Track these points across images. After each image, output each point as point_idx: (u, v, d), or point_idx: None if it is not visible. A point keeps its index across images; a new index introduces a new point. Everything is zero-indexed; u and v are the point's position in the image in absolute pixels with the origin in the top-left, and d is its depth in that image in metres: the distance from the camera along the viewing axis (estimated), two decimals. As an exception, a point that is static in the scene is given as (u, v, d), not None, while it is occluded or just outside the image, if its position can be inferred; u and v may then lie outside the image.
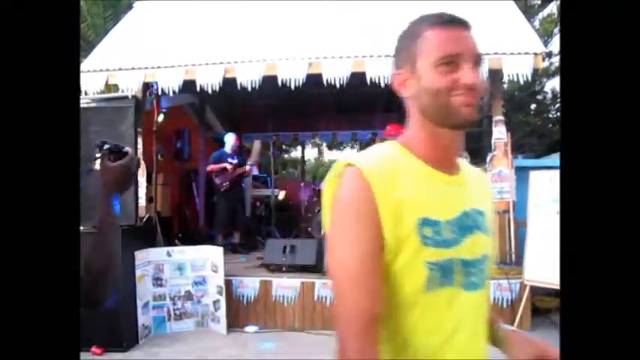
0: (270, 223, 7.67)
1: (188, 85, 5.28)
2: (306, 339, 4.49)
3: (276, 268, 5.07)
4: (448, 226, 0.92)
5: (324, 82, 5.07)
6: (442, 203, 0.94)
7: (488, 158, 5.45)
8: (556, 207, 4.21)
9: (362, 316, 0.88)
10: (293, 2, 6.24)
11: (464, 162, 1.09)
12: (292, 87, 5.10)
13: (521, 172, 5.15)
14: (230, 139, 6.88)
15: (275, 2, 6.22)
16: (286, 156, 20.14)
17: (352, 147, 18.26)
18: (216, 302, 4.70)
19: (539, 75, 12.12)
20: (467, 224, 0.96)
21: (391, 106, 9.49)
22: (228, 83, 5.18)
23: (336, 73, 5.02)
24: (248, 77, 5.09)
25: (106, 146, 1.23)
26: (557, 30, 12.26)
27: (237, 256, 6.21)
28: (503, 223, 5.25)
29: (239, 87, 5.14)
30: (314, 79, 5.07)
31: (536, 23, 12.94)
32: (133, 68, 5.29)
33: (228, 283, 4.76)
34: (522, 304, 4.40)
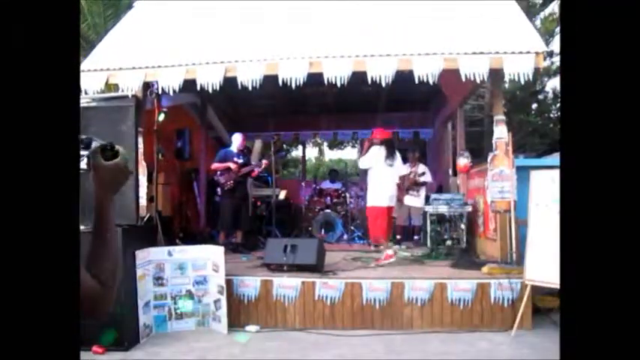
0: (271, 222, 7.67)
1: (189, 85, 5.28)
2: (306, 338, 4.49)
3: (276, 268, 5.08)
4: None
5: (325, 82, 5.07)
6: None
7: (490, 158, 5.45)
8: (557, 206, 4.20)
9: None
10: (294, 2, 6.23)
11: None
12: (293, 86, 5.09)
13: (522, 172, 5.14)
14: (237, 139, 6.93)
15: (276, 2, 6.21)
16: (287, 155, 20.13)
17: (353, 146, 18.27)
18: (217, 302, 4.71)
19: (540, 74, 12.11)
20: None
21: (392, 105, 9.52)
22: (229, 82, 5.18)
23: (337, 73, 5.01)
24: (249, 76, 5.09)
25: (94, 144, 1.14)
26: (558, 29, 12.24)
27: (237, 256, 6.22)
28: (505, 222, 5.25)
29: (240, 86, 5.14)
30: (315, 79, 5.07)
31: (538, 22, 12.92)
32: (134, 67, 5.29)
33: (229, 283, 4.76)
34: (523, 303, 4.40)
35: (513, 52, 4.89)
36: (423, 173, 7.73)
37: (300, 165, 13.74)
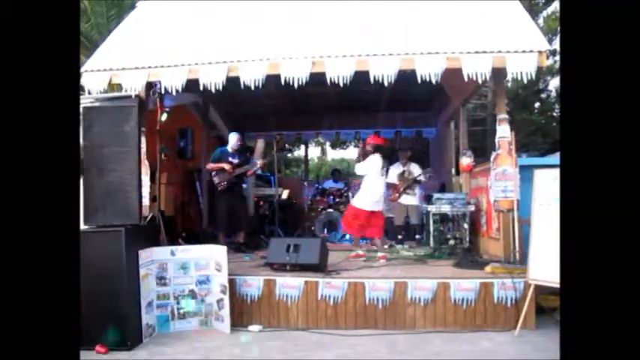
0: (274, 222, 7.67)
1: (191, 85, 5.28)
2: (309, 338, 4.49)
3: (279, 267, 5.08)
4: None
5: (328, 81, 5.06)
6: None
7: (492, 157, 5.44)
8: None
9: None
10: (296, 1, 6.23)
11: None
12: (295, 86, 5.09)
13: (526, 171, 5.13)
14: (232, 139, 6.90)
15: (279, 1, 6.21)
16: (289, 155, 20.16)
17: (356, 146, 18.26)
18: (219, 301, 4.71)
19: (543, 73, 12.08)
20: None
21: (394, 105, 9.51)
22: (232, 82, 5.18)
23: (339, 72, 5.01)
24: (251, 76, 5.09)
25: None
26: (561, 28, 12.21)
27: (240, 255, 6.22)
28: (508, 221, 5.24)
29: (242, 86, 5.14)
30: (317, 78, 5.06)
31: (541, 21, 12.89)
32: (137, 68, 5.30)
33: (231, 282, 4.76)
34: (527, 303, 4.39)
35: (516, 51, 4.87)
36: (419, 181, 7.60)
37: (303, 164, 13.74)
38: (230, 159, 6.71)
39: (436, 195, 6.84)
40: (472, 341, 4.27)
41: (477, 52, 4.90)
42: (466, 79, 4.93)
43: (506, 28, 5.31)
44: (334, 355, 4.02)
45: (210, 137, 8.73)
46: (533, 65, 4.82)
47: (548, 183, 4.36)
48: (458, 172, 7.67)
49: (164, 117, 6.15)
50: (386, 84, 5.04)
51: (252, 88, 5.12)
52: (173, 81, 5.20)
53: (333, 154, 23.87)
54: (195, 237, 7.07)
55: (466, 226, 6.44)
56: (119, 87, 5.39)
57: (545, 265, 4.23)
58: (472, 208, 6.48)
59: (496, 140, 5.46)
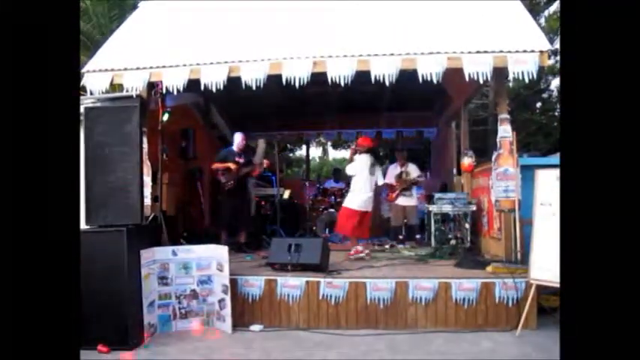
0: (275, 222, 7.67)
1: (193, 85, 5.29)
2: (310, 338, 4.49)
3: (281, 267, 5.08)
4: None
5: (329, 81, 5.07)
6: None
7: (494, 157, 5.44)
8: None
9: None
10: (297, 1, 6.24)
11: None
12: (297, 86, 5.10)
13: (527, 171, 5.12)
14: (237, 138, 6.92)
15: (280, 1, 6.22)
16: (291, 155, 20.17)
17: (357, 146, 18.20)
18: (221, 301, 4.72)
19: (544, 73, 12.06)
20: None
21: (395, 105, 9.51)
22: (233, 82, 5.19)
23: (340, 72, 5.01)
24: (252, 76, 5.10)
25: None
26: (563, 27, 12.20)
27: (242, 255, 6.23)
28: (509, 221, 5.24)
29: (244, 86, 5.14)
30: (318, 78, 5.07)
31: (542, 21, 12.88)
32: (138, 68, 5.31)
33: (233, 282, 4.77)
34: (528, 303, 4.39)
35: (517, 51, 4.87)
36: (417, 183, 7.60)
37: (304, 164, 13.75)
38: (236, 158, 6.74)
39: (437, 195, 6.84)
40: (473, 341, 4.27)
41: (478, 52, 4.90)
42: (467, 78, 4.92)
43: (507, 27, 5.31)
44: (335, 355, 4.02)
45: (211, 137, 8.74)
46: (534, 65, 4.81)
47: (549, 183, 4.35)
48: (459, 172, 7.66)
49: (166, 117, 6.16)
50: (387, 84, 5.04)
51: (254, 88, 5.13)
52: (174, 81, 5.21)
53: (335, 154, 23.88)
54: (196, 237, 7.07)
55: (467, 226, 6.43)
56: (121, 87, 5.41)
57: (546, 265, 4.22)
58: (473, 208, 6.48)
59: (497, 140, 5.46)
